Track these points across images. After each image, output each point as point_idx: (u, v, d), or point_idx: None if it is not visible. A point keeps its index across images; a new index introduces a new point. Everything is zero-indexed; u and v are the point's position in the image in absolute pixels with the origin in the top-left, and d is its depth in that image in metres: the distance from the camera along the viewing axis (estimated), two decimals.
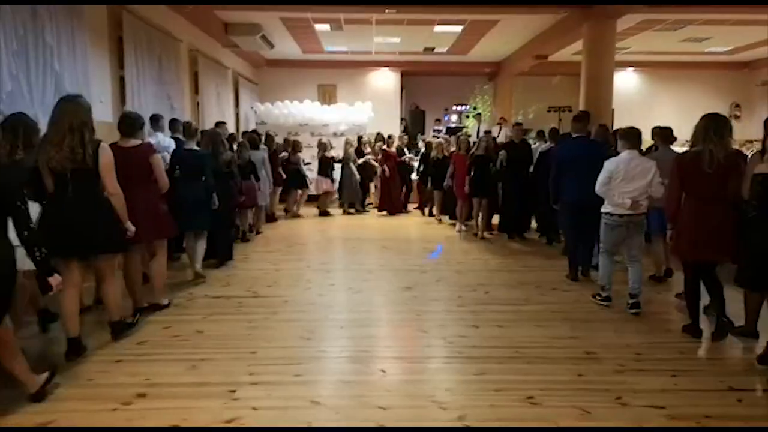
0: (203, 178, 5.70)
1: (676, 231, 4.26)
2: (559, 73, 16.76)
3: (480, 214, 8.65)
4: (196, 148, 5.94)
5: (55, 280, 3.09)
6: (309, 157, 11.98)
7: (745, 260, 3.89)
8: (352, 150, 11.36)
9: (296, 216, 10.89)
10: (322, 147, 11.14)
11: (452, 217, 9.88)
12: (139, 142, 4.59)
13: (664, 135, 6.09)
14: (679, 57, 15.11)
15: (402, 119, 16.04)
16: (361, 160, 11.52)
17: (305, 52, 14.25)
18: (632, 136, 4.95)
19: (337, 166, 11.38)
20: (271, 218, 10.29)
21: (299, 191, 11.03)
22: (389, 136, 11.60)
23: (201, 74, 10.53)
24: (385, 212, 11.19)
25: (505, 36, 12.13)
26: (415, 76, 16.76)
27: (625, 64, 15.62)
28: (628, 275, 4.96)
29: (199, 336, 4.29)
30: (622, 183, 4.80)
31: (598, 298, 5.17)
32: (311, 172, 11.45)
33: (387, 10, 9.43)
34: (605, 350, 4.03)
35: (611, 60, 9.49)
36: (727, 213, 4.05)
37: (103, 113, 6.99)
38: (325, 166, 11.12)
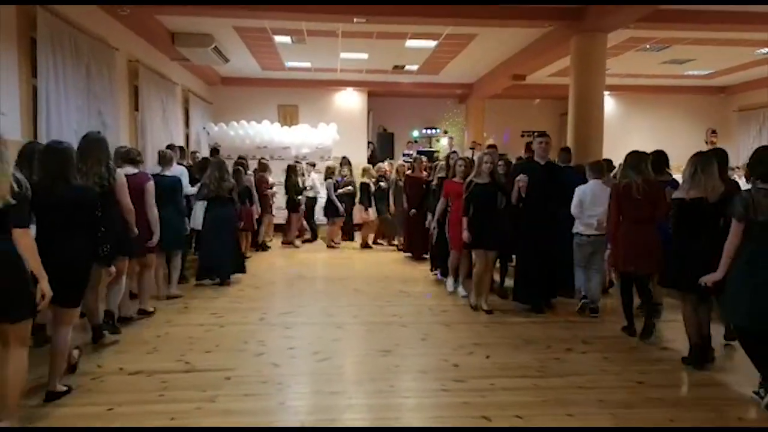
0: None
1: (614, 247, 4.96)
2: (533, 97, 16.07)
3: (480, 276, 5.75)
4: (168, 174, 6.22)
5: (112, 269, 4.20)
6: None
7: (666, 267, 4.46)
8: (395, 176, 10.22)
9: (331, 247, 10.34)
10: (368, 173, 10.30)
11: (443, 271, 7.10)
12: (137, 170, 5.24)
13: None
14: (657, 81, 14.55)
15: (369, 143, 14.94)
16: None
17: (264, 68, 13.03)
18: (599, 167, 5.85)
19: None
20: (263, 247, 9.95)
21: (335, 221, 10.26)
22: (414, 159, 9.54)
23: (143, 89, 9.18)
24: (409, 254, 9.13)
25: (482, 53, 11.21)
26: (382, 97, 15.74)
27: None
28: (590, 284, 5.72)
29: None
30: (590, 207, 5.54)
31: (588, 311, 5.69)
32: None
33: (356, 19, 8.35)
34: None
35: (602, 77, 8.63)
36: (654, 232, 4.75)
37: (7, 127, 5.62)
38: (365, 193, 10.04)
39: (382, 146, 14.85)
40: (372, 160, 13.94)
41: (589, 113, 8.57)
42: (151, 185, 5.22)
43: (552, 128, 17.00)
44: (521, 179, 5.62)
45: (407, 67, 12.89)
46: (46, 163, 3.53)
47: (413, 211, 8.32)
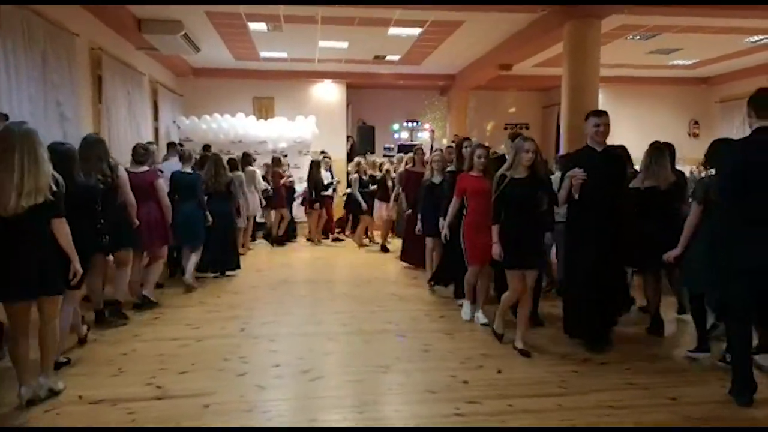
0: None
1: None
2: (517, 88, 15.71)
3: (509, 302, 4.48)
4: (189, 171, 6.59)
5: (111, 258, 4.90)
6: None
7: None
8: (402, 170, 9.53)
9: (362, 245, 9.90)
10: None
11: (455, 290, 5.92)
12: (146, 168, 5.59)
13: None
14: (641, 71, 14.30)
15: (348, 136, 14.40)
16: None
17: (238, 58, 12.37)
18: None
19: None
20: (279, 242, 10.02)
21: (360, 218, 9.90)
22: (414, 151, 7.98)
23: (106, 79, 8.51)
24: (411, 265, 7.63)
25: (467, 41, 10.73)
26: (361, 89, 15.20)
27: None
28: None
29: None
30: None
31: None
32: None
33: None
34: None
35: (596, 65, 8.22)
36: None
37: None
38: (383, 189, 9.47)
39: (362, 140, 14.32)
40: (352, 154, 13.45)
41: (584, 103, 8.13)
42: (160, 182, 5.65)
43: (534, 120, 16.75)
44: (575, 174, 4.19)
45: (388, 57, 12.36)
46: (53, 162, 3.73)
47: (409, 211, 7.44)
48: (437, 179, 6.27)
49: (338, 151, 13.44)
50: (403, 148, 13.70)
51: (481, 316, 5.12)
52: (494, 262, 4.48)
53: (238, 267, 7.37)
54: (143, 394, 3.55)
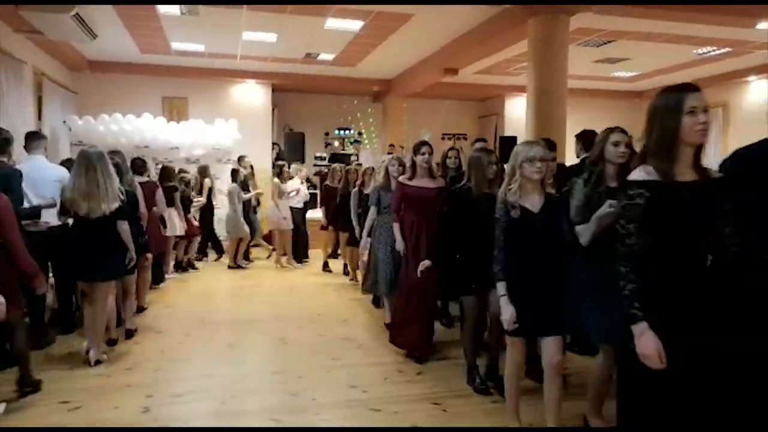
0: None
1: None
2: (454, 96, 14.89)
3: None
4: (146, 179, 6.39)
5: (149, 255, 5.55)
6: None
7: None
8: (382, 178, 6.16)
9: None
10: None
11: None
12: (147, 179, 6.18)
13: None
14: (580, 83, 13.88)
15: (274, 144, 12.92)
16: None
17: (144, 51, 10.62)
18: None
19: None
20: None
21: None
22: (416, 148, 4.49)
23: None
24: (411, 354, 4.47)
25: (412, 40, 9.64)
26: (287, 93, 13.78)
27: (522, 89, 14.13)
28: None
29: None
30: None
31: None
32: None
33: None
34: None
35: (564, 65, 7.43)
36: None
37: None
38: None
39: (290, 148, 12.88)
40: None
41: (551, 108, 7.38)
42: (160, 191, 6.18)
43: (471, 131, 15.98)
44: None
45: (321, 57, 11.06)
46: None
47: (425, 264, 4.14)
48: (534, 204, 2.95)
49: (262, 160, 11.96)
50: (336, 158, 12.44)
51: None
52: None
53: (162, 280, 7.20)
54: None
